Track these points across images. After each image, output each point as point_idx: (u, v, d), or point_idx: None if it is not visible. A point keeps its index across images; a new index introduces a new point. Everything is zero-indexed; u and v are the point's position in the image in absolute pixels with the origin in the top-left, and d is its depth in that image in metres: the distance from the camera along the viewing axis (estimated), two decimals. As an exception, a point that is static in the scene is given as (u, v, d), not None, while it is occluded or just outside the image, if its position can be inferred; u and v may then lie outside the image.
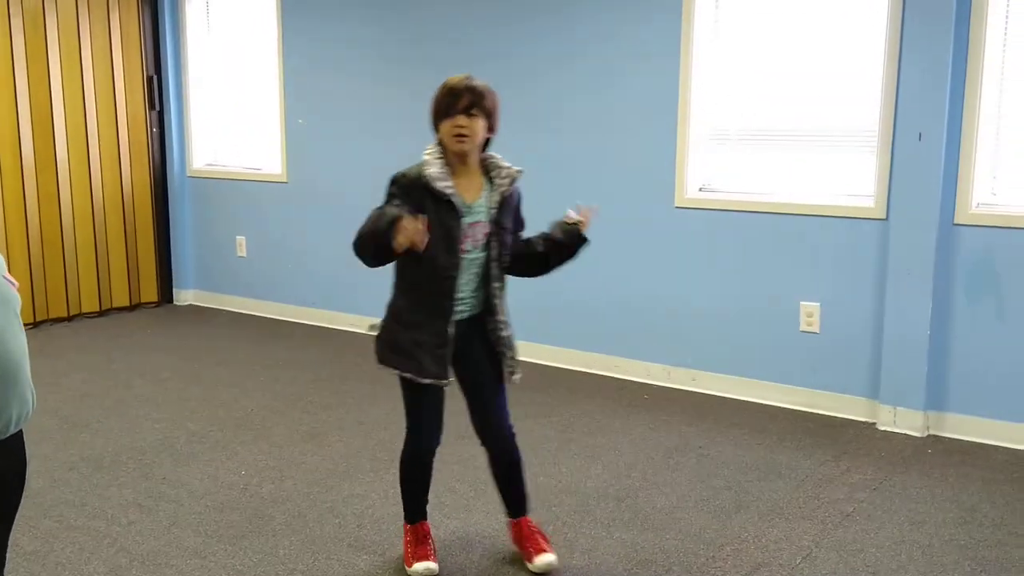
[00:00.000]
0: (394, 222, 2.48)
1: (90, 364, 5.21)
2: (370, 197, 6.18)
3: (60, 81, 5.94)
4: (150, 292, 6.62)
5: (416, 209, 2.57)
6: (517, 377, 2.84)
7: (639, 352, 4.91)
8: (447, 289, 2.68)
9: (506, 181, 2.72)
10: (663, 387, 4.80)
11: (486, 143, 2.75)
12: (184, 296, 6.74)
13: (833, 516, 3.32)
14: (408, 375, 2.74)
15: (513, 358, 2.83)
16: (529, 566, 2.91)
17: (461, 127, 2.63)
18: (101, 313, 6.30)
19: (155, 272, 6.63)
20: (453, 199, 2.63)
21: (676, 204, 4.70)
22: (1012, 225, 3.92)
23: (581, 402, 4.58)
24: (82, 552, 3.03)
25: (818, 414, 4.38)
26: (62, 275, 6.09)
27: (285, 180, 6.17)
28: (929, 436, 4.12)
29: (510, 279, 2.85)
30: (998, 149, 4.00)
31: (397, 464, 3.74)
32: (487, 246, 2.72)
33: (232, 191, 6.46)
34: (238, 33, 6.31)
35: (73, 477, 3.61)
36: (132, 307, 6.50)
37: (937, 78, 3.93)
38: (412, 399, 2.82)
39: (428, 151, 2.68)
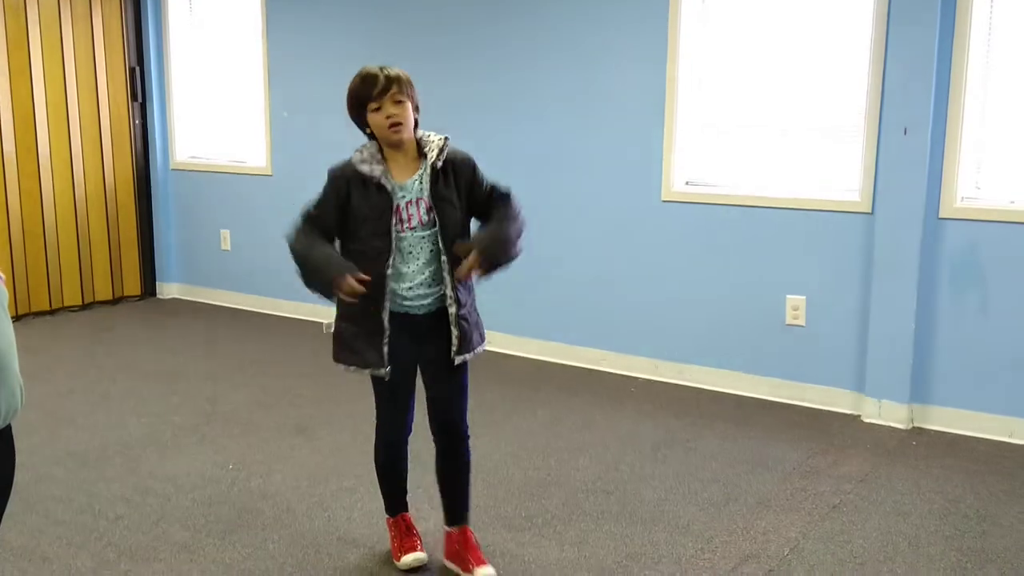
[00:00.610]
0: (332, 281, 2.57)
1: (74, 358, 5.17)
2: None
3: (42, 72, 5.88)
4: (133, 285, 6.57)
5: (343, 201, 2.65)
6: (459, 358, 2.72)
7: (625, 345, 4.92)
8: (380, 276, 2.63)
9: (435, 153, 2.65)
10: (649, 380, 4.81)
11: (415, 124, 2.72)
12: (168, 290, 6.70)
13: (820, 508, 3.34)
14: (353, 368, 2.73)
15: (460, 337, 2.71)
16: None
17: (394, 115, 2.59)
18: (84, 307, 6.26)
19: (138, 265, 6.58)
20: (381, 180, 2.62)
21: (663, 198, 4.71)
22: (996, 219, 3.95)
23: (568, 395, 4.59)
24: (69, 547, 3.01)
25: (804, 407, 4.41)
26: (44, 268, 6.04)
27: (269, 173, 6.13)
28: (913, 428, 4.16)
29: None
30: (983, 143, 4.03)
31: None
32: (432, 222, 2.65)
33: (216, 184, 6.42)
34: (222, 24, 6.27)
35: (59, 472, 3.59)
36: (115, 300, 6.45)
37: (922, 72, 3.96)
38: (374, 391, 2.80)
39: (359, 148, 2.69)
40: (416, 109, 2.66)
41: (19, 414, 2.08)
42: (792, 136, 4.44)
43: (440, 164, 2.66)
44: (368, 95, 2.59)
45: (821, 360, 4.40)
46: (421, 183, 2.66)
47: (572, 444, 3.95)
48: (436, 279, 2.70)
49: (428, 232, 2.66)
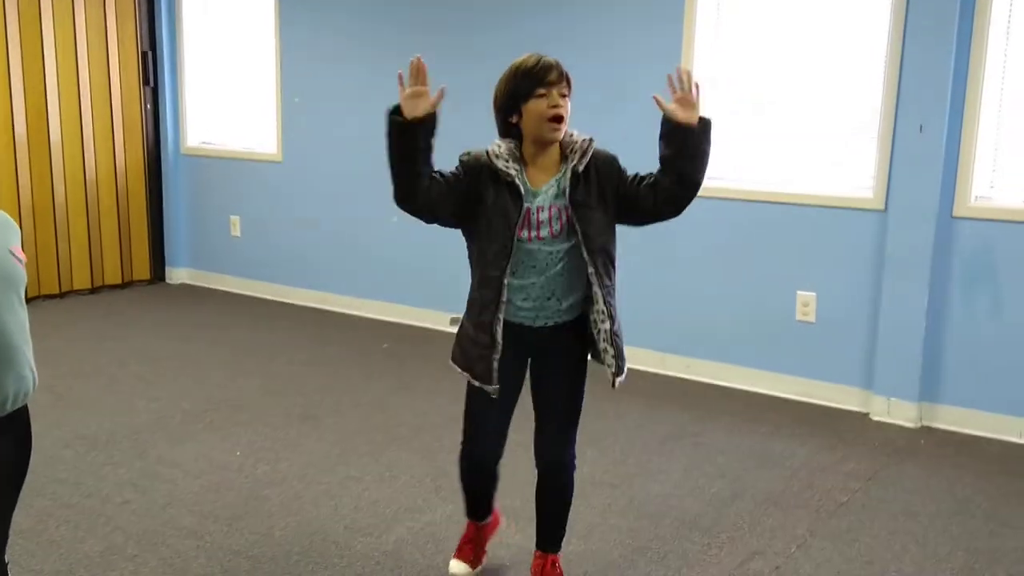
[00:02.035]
0: (395, 111, 2.25)
1: (82, 342, 5.18)
2: (365, 177, 6.16)
3: (54, 56, 5.87)
4: (142, 270, 6.58)
5: (476, 193, 2.37)
6: (620, 379, 2.50)
7: (633, 339, 4.84)
8: (496, 281, 2.39)
9: (577, 155, 2.40)
10: (657, 374, 4.80)
11: None
12: (177, 275, 6.71)
13: (827, 505, 3.33)
14: (465, 374, 2.51)
15: (616, 356, 2.47)
16: None
17: (559, 107, 2.33)
18: (93, 290, 6.26)
19: (147, 250, 6.59)
20: (516, 180, 2.36)
21: (674, 191, 4.69)
22: (1010, 219, 3.93)
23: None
24: (77, 530, 3.02)
25: (812, 403, 4.40)
26: (54, 251, 6.04)
27: (280, 159, 6.13)
28: (922, 427, 4.14)
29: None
30: (998, 142, 4.00)
31: (392, 447, 3.77)
32: (571, 232, 2.39)
33: (226, 170, 6.42)
34: (234, 10, 6.25)
35: (67, 455, 3.59)
36: (124, 285, 6.45)
37: (939, 70, 3.93)
38: (468, 401, 2.58)
39: (496, 141, 2.44)
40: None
41: (31, 397, 2.08)
42: (806, 132, 4.42)
43: (581, 168, 2.40)
44: (541, 79, 2.33)
45: (831, 357, 4.39)
46: (559, 188, 2.40)
47: (579, 436, 3.93)
48: (564, 293, 2.45)
49: (563, 245, 2.40)
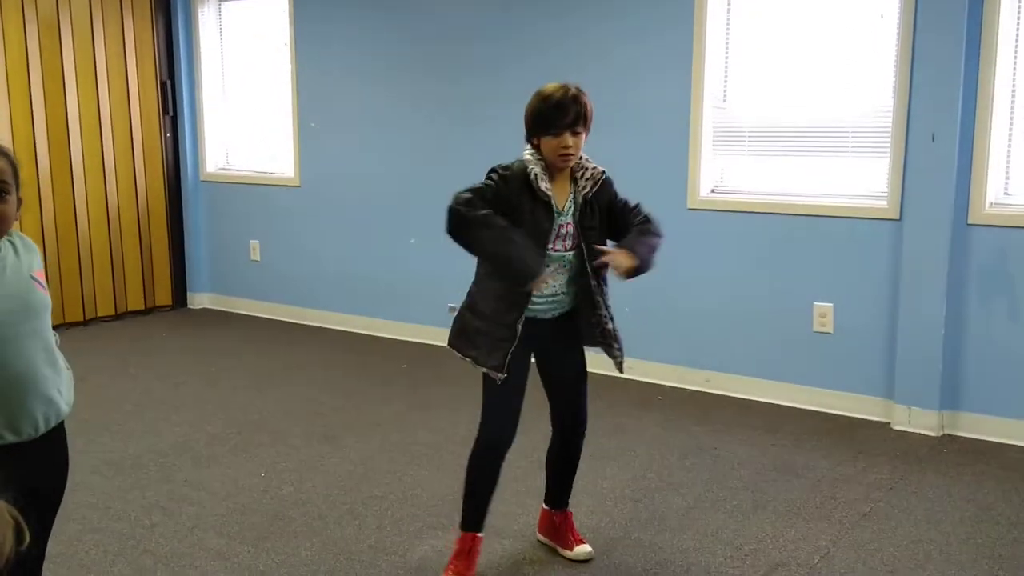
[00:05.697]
0: (528, 276, 2.61)
1: (107, 368, 5.25)
2: (382, 199, 6.19)
3: (75, 86, 5.98)
4: (164, 296, 6.66)
5: (508, 204, 2.63)
6: (626, 365, 2.93)
7: (652, 353, 4.92)
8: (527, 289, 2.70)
9: (588, 183, 2.75)
10: (676, 388, 4.81)
11: None
12: (198, 300, 6.78)
13: (850, 516, 3.34)
14: (468, 359, 2.76)
15: (620, 349, 2.88)
16: (568, 554, 3.03)
17: (568, 147, 2.65)
18: (116, 317, 6.34)
19: (169, 276, 6.67)
20: (553, 201, 2.69)
21: (688, 206, 4.72)
22: (1025, 225, 3.93)
23: (594, 403, 4.51)
24: (107, 554, 3.06)
25: (832, 414, 4.40)
26: (78, 279, 6.14)
27: (298, 184, 6.20)
28: (944, 435, 4.13)
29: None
30: (1011, 148, 4.01)
31: (414, 466, 3.80)
32: (578, 247, 2.76)
33: (245, 195, 6.50)
34: (251, 38, 6.35)
35: (95, 480, 3.65)
36: (147, 311, 6.53)
37: (950, 78, 3.94)
38: (485, 389, 2.80)
39: (528, 152, 2.72)
40: (587, 132, 2.71)
41: (64, 417, 2.12)
42: (819, 142, 4.44)
43: (591, 195, 2.75)
44: (553, 123, 2.64)
45: (849, 367, 4.39)
46: (574, 208, 2.75)
47: (600, 452, 3.95)
48: (565, 292, 2.81)
49: (569, 255, 2.76)
